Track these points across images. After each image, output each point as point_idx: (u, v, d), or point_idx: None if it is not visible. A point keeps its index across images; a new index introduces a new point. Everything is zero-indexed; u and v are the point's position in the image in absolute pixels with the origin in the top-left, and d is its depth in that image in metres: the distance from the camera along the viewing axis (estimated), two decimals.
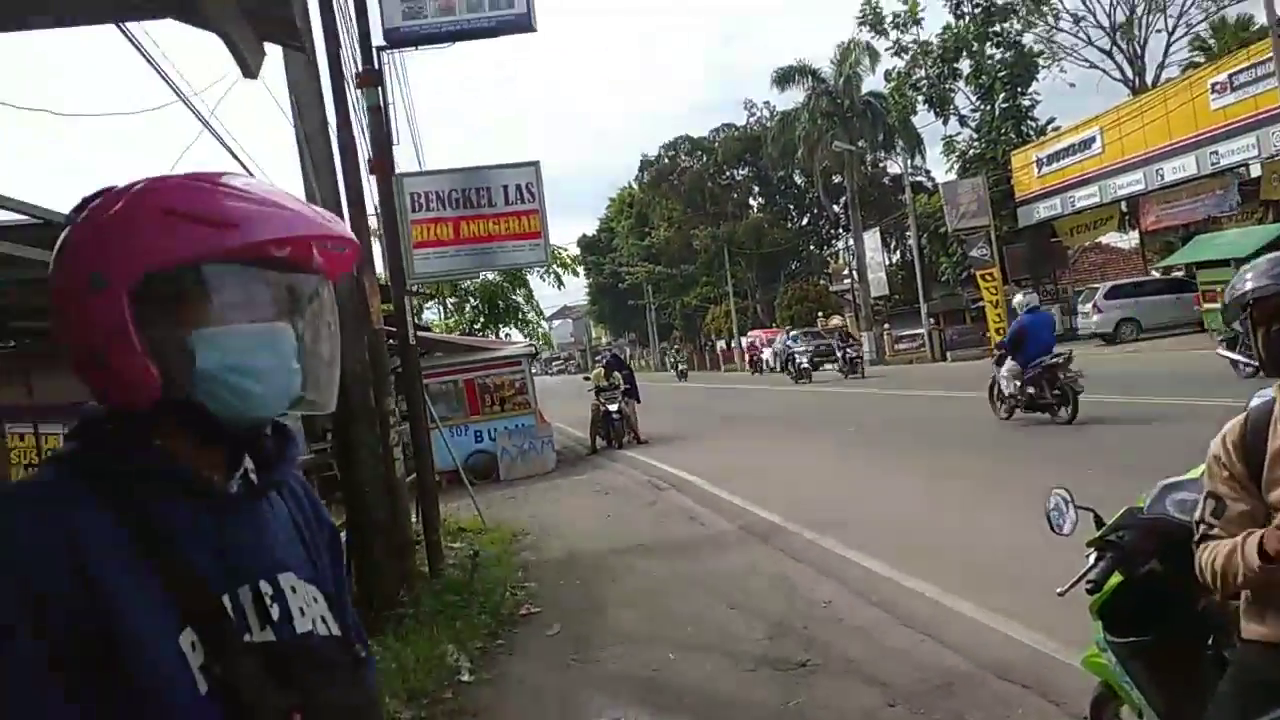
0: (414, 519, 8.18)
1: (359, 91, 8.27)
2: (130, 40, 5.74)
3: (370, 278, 7.43)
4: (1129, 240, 36.17)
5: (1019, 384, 12.53)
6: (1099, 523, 2.82)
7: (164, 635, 1.03)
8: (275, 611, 1.12)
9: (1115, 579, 2.69)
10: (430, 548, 7.88)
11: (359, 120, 8.15)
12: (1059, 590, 2.75)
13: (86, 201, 1.11)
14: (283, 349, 1.11)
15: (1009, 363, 12.79)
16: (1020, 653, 4.85)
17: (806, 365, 30.00)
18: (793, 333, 35.14)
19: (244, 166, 7.27)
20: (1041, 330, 12.80)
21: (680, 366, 48.54)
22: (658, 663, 5.48)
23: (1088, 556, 2.73)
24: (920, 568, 6.57)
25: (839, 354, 30.20)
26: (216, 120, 6.92)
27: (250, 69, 4.84)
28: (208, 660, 1.04)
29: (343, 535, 5.41)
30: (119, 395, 1.08)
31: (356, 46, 8.38)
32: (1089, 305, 27.35)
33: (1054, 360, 12.06)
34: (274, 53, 5.37)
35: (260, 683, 1.06)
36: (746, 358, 45.48)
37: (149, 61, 6.28)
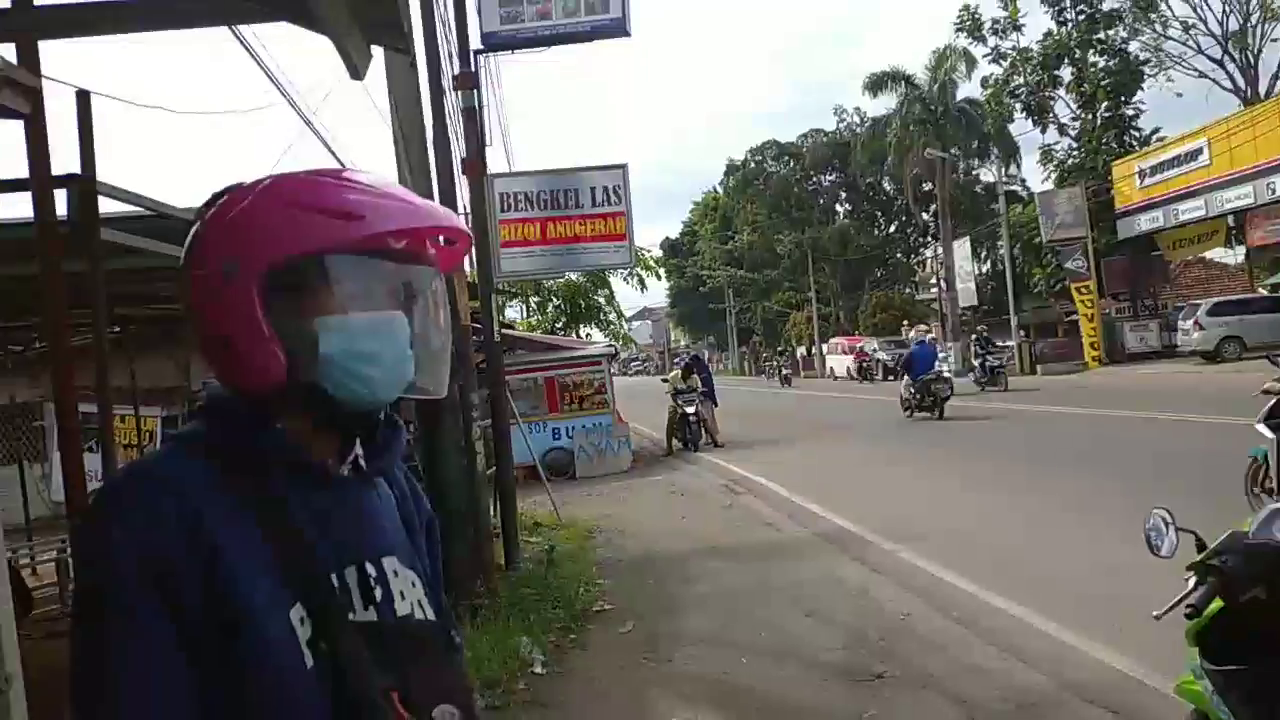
0: (492, 512, 8.29)
1: (455, 94, 8.42)
2: (241, 42, 5.96)
3: (460, 275, 7.57)
4: (1234, 256, 34.62)
5: (913, 392, 19.05)
6: (1200, 545, 2.71)
7: (277, 609, 1.07)
8: (378, 593, 1.16)
9: (1215, 605, 2.58)
10: (507, 541, 7.99)
11: (454, 122, 8.30)
12: (1156, 613, 2.64)
13: (216, 197, 1.16)
14: (399, 337, 1.15)
15: (905, 378, 19.65)
16: (1107, 676, 4.70)
17: (948, 374, 25.96)
18: (929, 335, 31.41)
19: (342, 165, 7.50)
20: (925, 357, 19.39)
21: (784, 371, 43.45)
22: (730, 666, 5.44)
23: (1187, 580, 2.63)
24: (1003, 584, 6.43)
25: (976, 362, 25.49)
26: (318, 120, 7.18)
27: (358, 71, 4.98)
28: (314, 636, 1.08)
29: None
30: (246, 379, 1.13)
31: (455, 50, 8.54)
32: (1189, 322, 26.28)
33: (929, 378, 18.82)
34: (374, 56, 5.52)
35: (363, 661, 1.09)
36: (854, 363, 39.63)
37: (258, 63, 6.53)
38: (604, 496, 12.95)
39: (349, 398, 1.14)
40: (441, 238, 1.22)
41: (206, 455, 1.12)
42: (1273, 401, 6.63)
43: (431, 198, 7.20)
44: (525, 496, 10.75)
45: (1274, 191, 24.98)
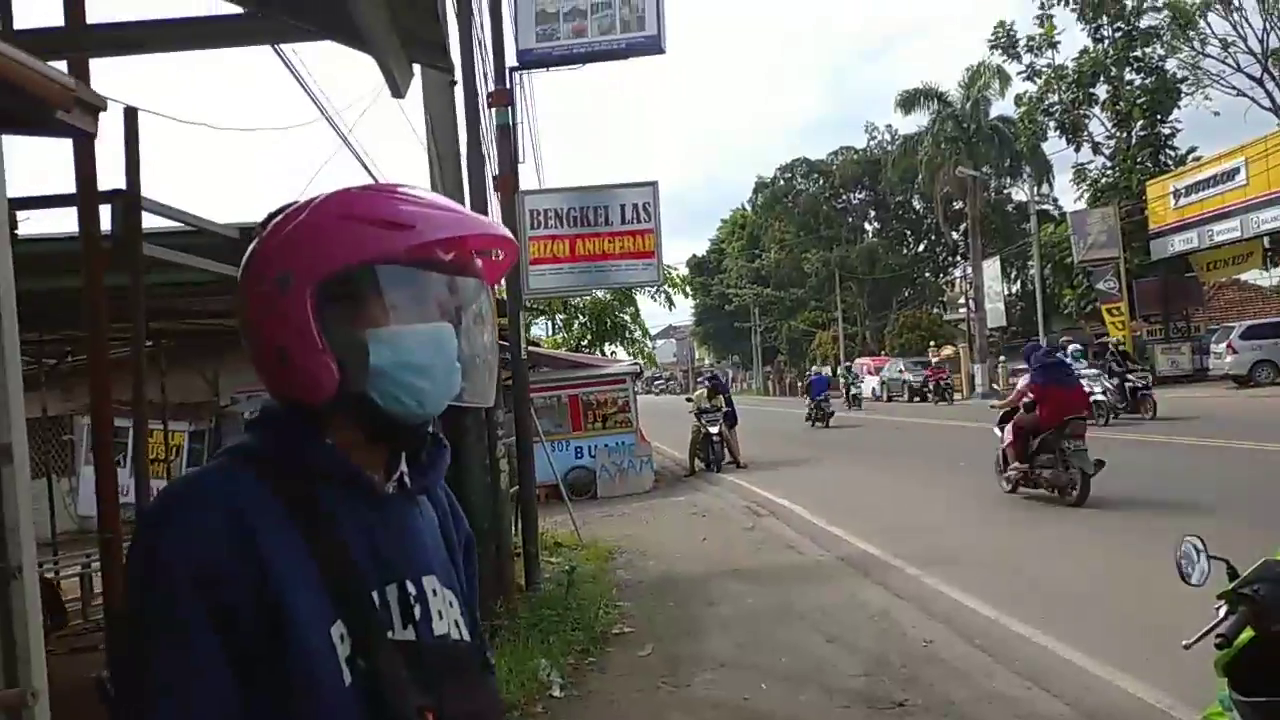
0: (513, 532, 8.29)
1: (490, 111, 8.49)
2: (284, 62, 6.05)
3: (489, 291, 7.62)
4: (1270, 278, 34.14)
5: (811, 408, 27.10)
6: (1232, 573, 2.68)
7: (319, 624, 1.08)
8: (417, 612, 1.17)
9: (1246, 634, 2.55)
10: (528, 560, 7.97)
11: (487, 139, 8.36)
12: (1185, 643, 2.61)
13: (272, 216, 1.20)
14: (447, 348, 1.17)
15: (808, 399, 27.81)
16: (1130, 705, 4.65)
17: (1101, 395, 18.11)
18: (1073, 347, 20.91)
19: (376, 182, 7.57)
20: (820, 383, 27.89)
21: (852, 391, 36.60)
22: (750, 691, 5.39)
23: (1217, 609, 2.60)
24: (1028, 612, 6.35)
25: (1111, 383, 18.88)
26: (353, 137, 7.26)
27: (399, 89, 5.06)
28: (354, 653, 1.09)
29: None
30: (299, 391, 1.15)
31: (490, 67, 8.61)
32: (1223, 345, 25.90)
33: (820, 399, 26.86)
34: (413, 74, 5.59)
35: (400, 680, 1.10)
36: (930, 381, 35.07)
37: (299, 82, 6.62)
38: (625, 517, 12.91)
39: (397, 409, 1.15)
40: (490, 250, 1.26)
41: (258, 468, 1.14)
42: (1004, 410, 11.28)
43: None
44: (547, 516, 10.74)
45: None
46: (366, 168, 8.72)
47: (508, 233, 1.28)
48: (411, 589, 1.18)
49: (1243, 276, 34.26)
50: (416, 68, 5.54)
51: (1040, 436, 10.37)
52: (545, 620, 6.66)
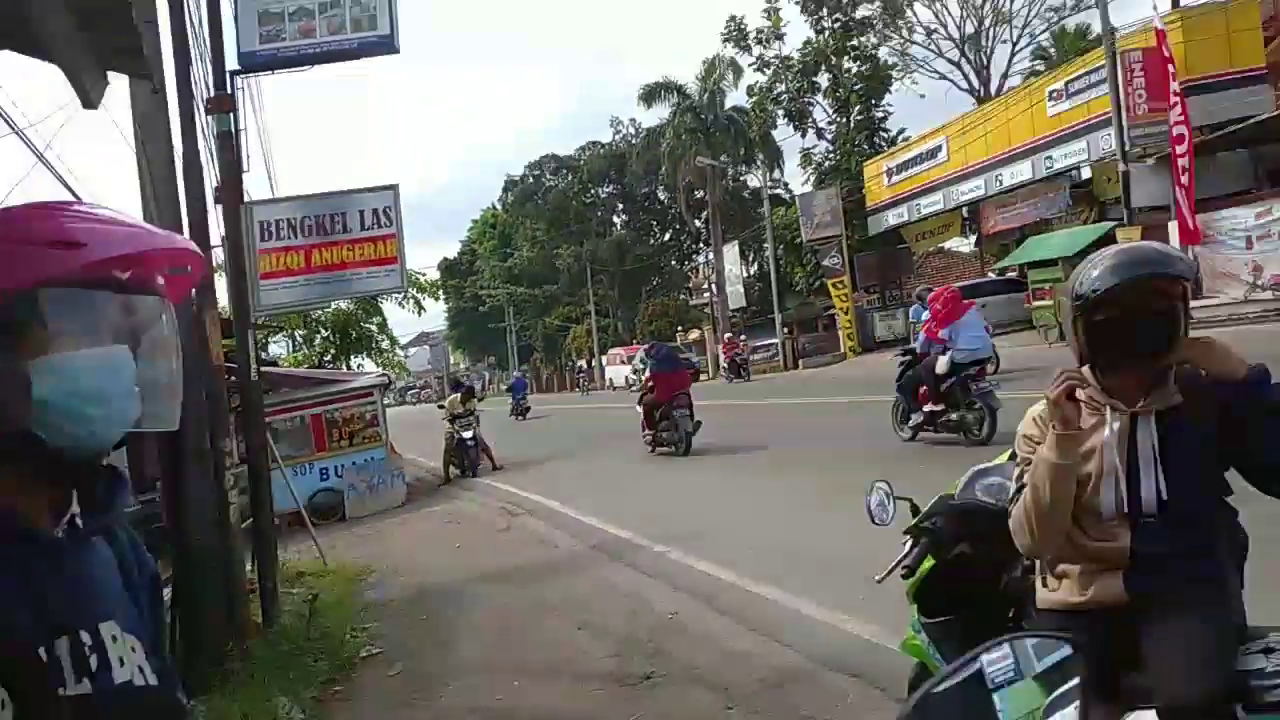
0: (249, 566, 7.72)
1: (209, 118, 7.83)
2: None
3: (212, 313, 7.01)
4: (968, 245, 38.07)
5: (513, 406, 32.09)
6: (914, 510, 2.91)
7: None
8: (94, 662, 1.07)
9: (928, 563, 2.78)
10: (264, 595, 7.43)
11: (207, 148, 7.71)
12: (876, 577, 2.83)
13: None
14: (122, 373, 1.08)
15: (510, 398, 33.43)
16: (852, 645, 4.99)
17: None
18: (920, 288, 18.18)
19: (78, 199, 6.71)
20: (519, 385, 32.75)
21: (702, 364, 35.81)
22: (503, 691, 5.36)
23: (904, 543, 2.82)
24: (767, 572, 6.66)
25: None
26: (53, 153, 6.44)
27: (91, 100, 4.59)
28: (17, 718, 0.99)
29: (168, 588, 5.04)
30: None
31: (210, 70, 7.93)
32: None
33: (519, 398, 32.25)
34: (117, 78, 5.08)
35: None
36: (723, 359, 33.97)
37: None
38: (377, 534, 12.44)
39: (65, 443, 1.05)
40: (170, 265, 1.17)
41: None
42: (642, 392, 15.48)
43: (180, 229, 6.60)
44: (289, 545, 10.14)
45: (1002, 183, 27.60)
46: (68, 186, 7.77)
47: (192, 246, 1.21)
48: (86, 639, 1.07)
49: (946, 245, 38.02)
50: (119, 75, 5.03)
51: (660, 409, 14.42)
52: (285, 656, 6.27)
